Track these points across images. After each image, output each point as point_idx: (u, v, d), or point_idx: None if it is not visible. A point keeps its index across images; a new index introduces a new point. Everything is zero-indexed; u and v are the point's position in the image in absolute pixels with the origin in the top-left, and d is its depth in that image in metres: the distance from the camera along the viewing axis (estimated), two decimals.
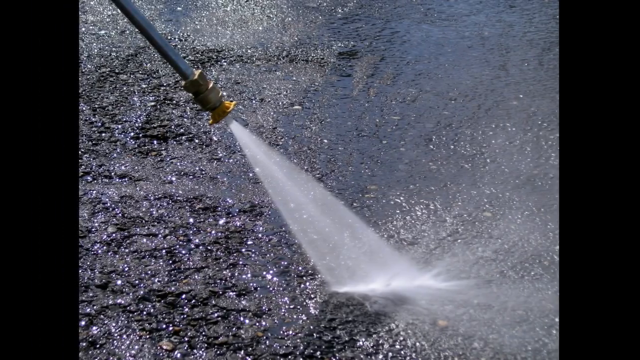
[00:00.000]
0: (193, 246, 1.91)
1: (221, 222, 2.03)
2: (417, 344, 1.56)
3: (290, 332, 1.59)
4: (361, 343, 1.56)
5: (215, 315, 1.65)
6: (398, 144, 2.55)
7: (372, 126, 2.69)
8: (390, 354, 1.53)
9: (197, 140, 2.54)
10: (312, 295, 1.72)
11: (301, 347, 1.54)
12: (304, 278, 1.79)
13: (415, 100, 2.94)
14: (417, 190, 2.22)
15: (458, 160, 2.42)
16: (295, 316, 1.65)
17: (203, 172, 2.31)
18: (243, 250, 1.91)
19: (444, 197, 2.18)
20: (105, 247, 1.89)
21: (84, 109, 2.74)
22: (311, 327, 1.61)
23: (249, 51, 3.48)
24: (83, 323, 1.60)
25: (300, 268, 1.83)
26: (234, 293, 1.73)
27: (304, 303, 1.70)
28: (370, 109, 2.85)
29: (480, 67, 3.30)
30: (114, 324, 1.60)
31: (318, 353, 1.53)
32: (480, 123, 2.71)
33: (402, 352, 1.54)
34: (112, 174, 2.27)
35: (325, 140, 2.57)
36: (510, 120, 2.72)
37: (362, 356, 1.53)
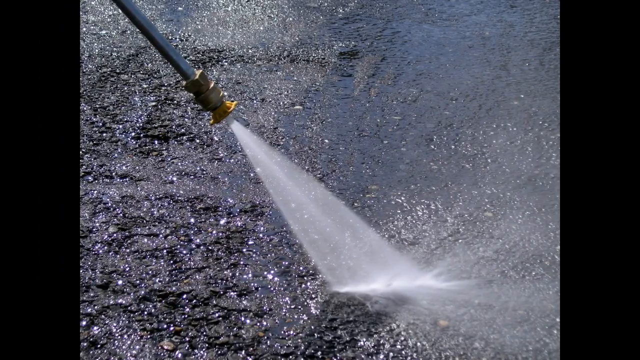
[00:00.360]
0: (194, 246, 1.91)
1: (222, 222, 2.03)
2: (418, 344, 1.56)
3: (292, 332, 1.59)
4: (362, 343, 1.56)
5: (216, 315, 1.65)
6: (399, 144, 2.55)
7: (373, 126, 2.69)
8: (391, 354, 1.53)
9: (198, 140, 2.54)
10: (313, 295, 1.72)
11: (302, 347, 1.54)
12: (305, 278, 1.79)
13: (416, 100, 2.94)
14: (418, 190, 2.22)
15: (459, 160, 2.42)
16: (296, 316, 1.65)
17: (204, 172, 2.31)
18: (244, 250, 1.91)
19: (445, 197, 2.18)
20: (106, 247, 1.89)
21: (85, 109, 2.74)
22: (312, 327, 1.61)
23: (250, 51, 3.49)
24: (84, 323, 1.60)
25: (301, 268, 1.83)
26: (235, 293, 1.73)
27: (305, 303, 1.70)
28: (371, 109, 2.85)
29: (481, 67, 3.30)
30: (115, 324, 1.60)
31: (319, 353, 1.53)
32: (481, 123, 2.71)
33: (403, 352, 1.54)
34: (113, 174, 2.28)
35: (326, 140, 2.57)
36: (511, 120, 2.72)
37: (363, 356, 1.52)
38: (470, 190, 2.22)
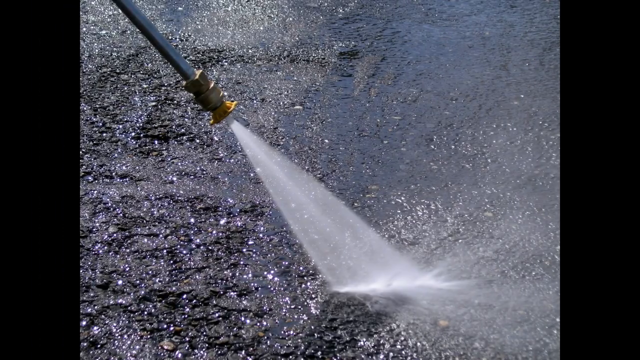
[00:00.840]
0: (194, 246, 1.91)
1: (222, 222, 2.03)
2: (418, 344, 1.56)
3: (292, 332, 1.59)
4: (362, 343, 1.56)
5: (216, 315, 1.65)
6: (399, 144, 2.55)
7: (373, 126, 2.69)
8: (391, 354, 1.53)
9: (198, 140, 2.54)
10: (313, 295, 1.72)
11: (302, 347, 1.54)
12: (305, 278, 1.79)
13: (416, 100, 2.93)
14: (418, 190, 2.22)
15: (459, 160, 2.42)
16: (296, 316, 1.65)
17: (204, 172, 2.31)
18: (244, 250, 1.91)
19: (445, 197, 2.18)
20: (106, 247, 1.89)
21: (85, 109, 2.74)
22: (312, 327, 1.61)
23: (250, 51, 3.49)
24: (84, 323, 1.60)
25: (301, 268, 1.83)
26: (235, 293, 1.73)
27: (305, 303, 1.70)
28: (371, 109, 2.85)
29: (481, 67, 3.30)
30: (115, 324, 1.60)
31: (319, 353, 1.53)
32: (481, 123, 2.71)
33: (403, 352, 1.54)
34: (113, 174, 2.28)
35: (326, 140, 2.57)
36: (511, 120, 2.72)
37: (363, 356, 1.52)
38: (470, 190, 2.22)
